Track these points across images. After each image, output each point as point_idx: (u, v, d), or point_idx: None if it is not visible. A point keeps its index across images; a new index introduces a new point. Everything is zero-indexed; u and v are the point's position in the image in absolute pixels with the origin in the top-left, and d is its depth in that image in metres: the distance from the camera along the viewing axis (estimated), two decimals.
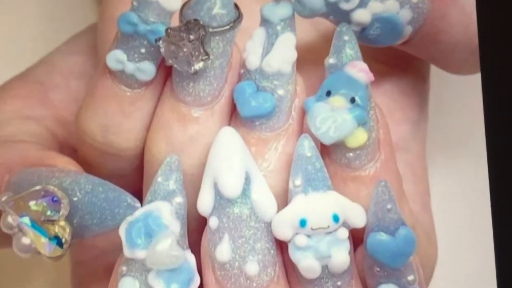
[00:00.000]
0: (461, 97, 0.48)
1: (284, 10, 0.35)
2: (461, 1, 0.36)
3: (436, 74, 0.42)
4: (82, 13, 0.49)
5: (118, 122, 0.35)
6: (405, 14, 0.35)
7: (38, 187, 0.33)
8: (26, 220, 0.33)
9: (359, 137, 0.34)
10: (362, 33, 0.35)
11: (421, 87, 0.40)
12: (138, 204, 0.33)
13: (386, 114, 0.35)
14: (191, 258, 0.33)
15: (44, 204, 0.33)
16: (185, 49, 0.34)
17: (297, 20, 0.35)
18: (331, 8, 0.35)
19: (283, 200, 0.34)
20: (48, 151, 0.36)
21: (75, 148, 0.38)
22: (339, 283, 0.34)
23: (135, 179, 0.37)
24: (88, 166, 0.36)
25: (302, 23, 0.36)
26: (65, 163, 0.35)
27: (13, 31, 0.49)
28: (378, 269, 0.34)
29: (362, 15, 0.35)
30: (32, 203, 0.33)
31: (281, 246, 0.34)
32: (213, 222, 0.34)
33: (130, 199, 0.33)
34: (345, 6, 0.35)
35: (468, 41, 0.37)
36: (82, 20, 0.45)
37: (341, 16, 0.35)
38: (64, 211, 0.33)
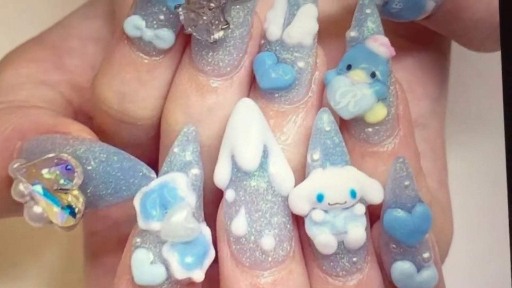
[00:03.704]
0: (480, 74, 0.48)
1: None
2: None
3: (456, 50, 0.41)
4: None
5: (135, 90, 0.34)
6: None
7: (51, 155, 0.33)
8: (38, 188, 0.32)
9: (379, 113, 0.34)
10: (385, 6, 0.35)
11: (441, 63, 0.40)
12: (154, 175, 0.33)
13: (406, 89, 0.35)
14: (207, 231, 0.33)
15: (57, 172, 0.32)
16: (205, 17, 0.33)
17: None
18: None
19: (301, 174, 0.34)
20: (62, 117, 0.35)
21: (90, 115, 0.37)
22: (354, 259, 0.33)
23: (151, 149, 0.36)
24: (103, 135, 0.35)
25: None
26: (80, 130, 0.34)
27: None
28: (394, 246, 0.34)
29: None
30: (45, 171, 0.32)
31: (298, 221, 0.34)
32: (229, 195, 0.33)
33: (145, 169, 0.33)
34: None
35: (489, 19, 0.36)
36: None
37: None
38: (77, 180, 0.32)
